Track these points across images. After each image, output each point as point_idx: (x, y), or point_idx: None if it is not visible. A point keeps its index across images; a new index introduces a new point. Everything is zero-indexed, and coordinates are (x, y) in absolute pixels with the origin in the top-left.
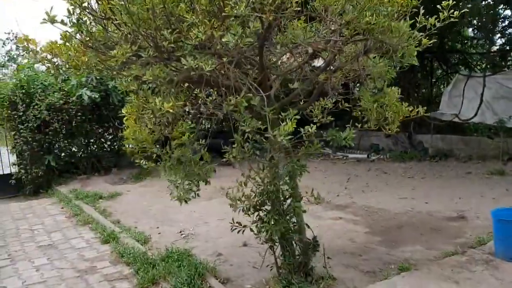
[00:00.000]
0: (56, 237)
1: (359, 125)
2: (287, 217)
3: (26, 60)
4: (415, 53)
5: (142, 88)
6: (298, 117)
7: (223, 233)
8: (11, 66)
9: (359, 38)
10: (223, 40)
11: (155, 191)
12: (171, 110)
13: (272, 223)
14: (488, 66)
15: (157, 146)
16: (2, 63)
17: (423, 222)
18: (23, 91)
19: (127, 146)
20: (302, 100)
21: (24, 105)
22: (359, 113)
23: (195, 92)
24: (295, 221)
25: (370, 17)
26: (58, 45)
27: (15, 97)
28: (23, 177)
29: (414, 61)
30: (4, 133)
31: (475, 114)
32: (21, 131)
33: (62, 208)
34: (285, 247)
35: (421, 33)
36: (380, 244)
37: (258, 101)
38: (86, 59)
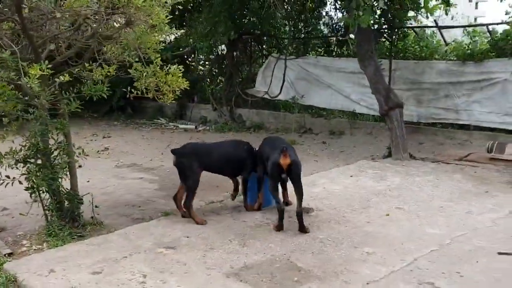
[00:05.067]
0: None
1: (135, 92)
2: (55, 170)
3: None
4: (165, 25)
5: None
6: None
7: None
8: None
9: (118, 12)
10: None
11: None
12: None
13: (39, 175)
14: (294, 51)
15: None
16: None
17: (211, 180)
18: None
19: None
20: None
21: None
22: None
23: None
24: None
25: None
26: None
27: None
28: None
29: (163, 24)
30: None
31: (280, 92)
32: None
33: None
34: (53, 197)
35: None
36: (163, 198)
37: (8, 55)
38: None
